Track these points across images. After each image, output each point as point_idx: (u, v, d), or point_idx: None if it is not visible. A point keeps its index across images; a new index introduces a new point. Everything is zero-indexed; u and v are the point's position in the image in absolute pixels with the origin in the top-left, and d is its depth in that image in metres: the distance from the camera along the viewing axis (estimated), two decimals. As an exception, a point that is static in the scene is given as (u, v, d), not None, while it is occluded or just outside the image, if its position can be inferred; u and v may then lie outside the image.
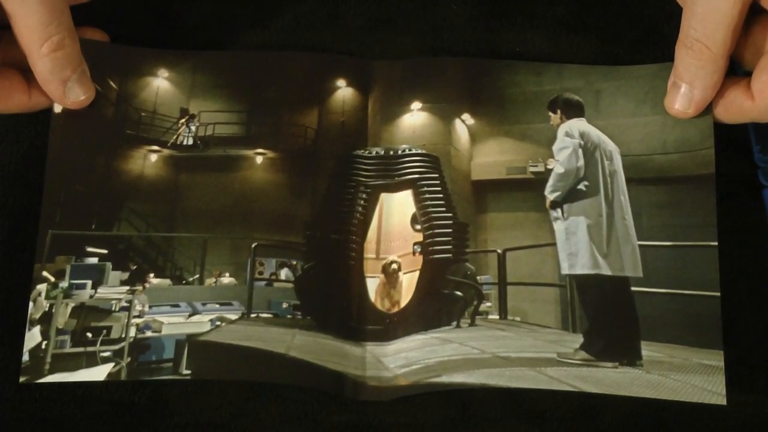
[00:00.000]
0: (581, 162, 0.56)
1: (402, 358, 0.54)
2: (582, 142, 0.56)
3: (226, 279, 0.56)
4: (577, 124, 0.57)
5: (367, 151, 0.57)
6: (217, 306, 0.56)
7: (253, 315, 0.56)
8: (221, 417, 0.54)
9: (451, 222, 0.57)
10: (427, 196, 0.57)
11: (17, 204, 0.56)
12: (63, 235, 0.54)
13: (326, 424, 0.54)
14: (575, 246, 0.55)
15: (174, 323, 0.55)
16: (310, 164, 0.57)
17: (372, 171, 0.57)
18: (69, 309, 0.54)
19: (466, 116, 0.57)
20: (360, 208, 0.56)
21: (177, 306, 0.55)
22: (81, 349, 0.53)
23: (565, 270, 0.56)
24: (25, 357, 0.52)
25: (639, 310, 0.53)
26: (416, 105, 0.57)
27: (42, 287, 0.53)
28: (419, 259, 0.56)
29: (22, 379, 0.51)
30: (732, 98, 0.52)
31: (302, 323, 0.55)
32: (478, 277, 0.56)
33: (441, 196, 0.57)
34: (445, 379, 0.52)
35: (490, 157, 0.57)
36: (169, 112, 0.58)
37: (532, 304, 0.56)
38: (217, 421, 0.54)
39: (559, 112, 0.57)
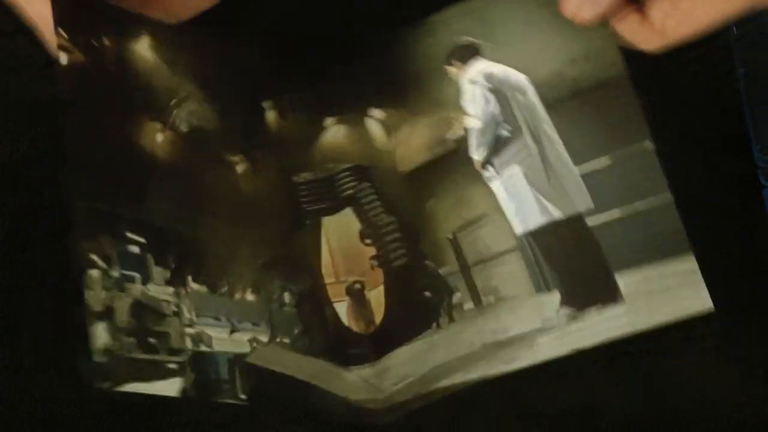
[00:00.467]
0: (494, 105, 0.53)
1: (393, 376, 0.52)
2: (489, 85, 0.53)
3: (249, 296, 0.55)
4: (478, 67, 0.53)
5: (298, 177, 0.56)
6: (250, 325, 0.54)
7: (278, 339, 0.54)
8: (221, 417, 0.54)
9: (397, 226, 0.55)
10: (367, 207, 0.56)
11: (17, 204, 0.56)
12: (100, 211, 0.49)
13: (326, 424, 0.54)
14: (518, 200, 0.53)
15: (221, 338, 0.51)
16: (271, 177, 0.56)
17: (307, 197, 0.56)
18: (127, 305, 0.48)
19: (374, 112, 0.55)
20: (306, 236, 0.56)
21: (218, 319, 0.52)
22: (149, 356, 0.48)
23: (519, 230, 0.53)
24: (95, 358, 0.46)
25: (595, 237, 0.51)
26: (328, 120, 0.56)
27: (94, 274, 0.48)
28: (380, 271, 0.55)
29: (100, 385, 0.46)
30: (627, 13, 0.49)
31: (308, 350, 0.54)
32: (439, 270, 0.54)
33: (379, 203, 0.56)
34: (444, 383, 0.51)
35: (411, 142, 0.56)
36: (166, 84, 0.55)
37: (500, 279, 0.54)
38: (217, 421, 0.54)
39: (455, 62, 0.54)
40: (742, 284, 0.55)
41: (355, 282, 0.55)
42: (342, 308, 0.55)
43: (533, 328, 0.51)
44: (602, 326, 0.49)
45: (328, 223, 0.57)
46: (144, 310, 0.49)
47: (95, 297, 0.47)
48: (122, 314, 0.48)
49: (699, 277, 0.48)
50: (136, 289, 0.49)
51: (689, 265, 0.48)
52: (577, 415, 0.54)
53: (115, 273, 0.48)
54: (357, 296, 0.55)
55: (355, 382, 0.53)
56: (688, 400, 0.54)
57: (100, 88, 0.53)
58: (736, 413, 0.54)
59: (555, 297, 0.52)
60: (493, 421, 0.54)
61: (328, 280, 0.56)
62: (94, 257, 0.48)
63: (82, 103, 0.52)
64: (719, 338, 0.54)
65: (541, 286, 0.53)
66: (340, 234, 0.56)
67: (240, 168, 0.56)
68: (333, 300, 0.55)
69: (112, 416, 0.53)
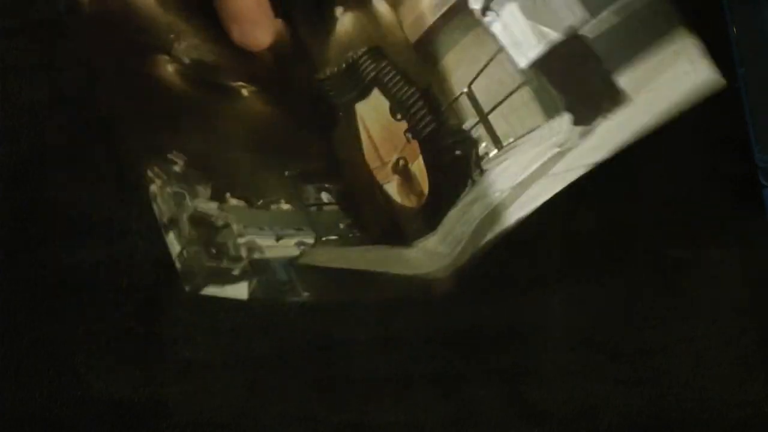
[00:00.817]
0: None
1: (450, 240, 0.52)
2: None
3: (284, 205, 0.55)
4: None
5: (322, 74, 0.56)
6: (293, 231, 0.54)
7: (323, 239, 0.54)
8: (221, 417, 0.54)
9: (418, 95, 0.55)
10: (390, 85, 0.56)
11: (17, 204, 0.56)
12: (144, 138, 0.52)
13: (326, 424, 0.54)
14: (518, 33, 0.52)
15: (269, 246, 0.53)
16: (285, 94, 0.56)
17: (335, 89, 0.57)
18: (186, 218, 0.52)
19: None
20: (345, 127, 0.56)
21: (262, 229, 0.53)
22: (215, 264, 0.51)
23: (522, 64, 0.52)
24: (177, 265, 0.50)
25: (592, 48, 0.50)
26: (338, 10, 0.56)
27: (155, 188, 0.51)
28: (416, 143, 0.56)
29: (187, 288, 0.49)
30: None
31: (364, 240, 0.54)
32: (462, 126, 0.54)
33: (399, 77, 0.56)
34: (489, 236, 0.50)
35: (415, 10, 0.56)
36: (164, 20, 0.55)
37: (515, 117, 0.53)
38: (217, 421, 0.54)
39: None
40: (743, 286, 0.56)
41: (399, 159, 0.56)
42: (392, 188, 0.56)
43: (552, 155, 0.50)
44: (613, 133, 0.48)
45: (362, 109, 0.57)
46: (201, 221, 0.52)
47: (161, 209, 0.51)
48: (185, 226, 0.51)
49: (697, 49, 0.46)
50: (188, 204, 0.52)
51: (685, 41, 0.47)
52: (578, 415, 0.54)
53: (169, 189, 0.51)
54: (404, 172, 0.55)
55: (419, 257, 0.52)
56: (688, 400, 0.54)
57: (114, 34, 0.54)
58: (736, 413, 0.54)
59: (566, 119, 0.51)
60: (493, 421, 0.54)
61: (373, 165, 0.56)
62: (151, 174, 0.51)
63: (101, 50, 0.53)
64: (720, 338, 0.55)
65: (552, 112, 0.51)
66: (374, 116, 0.56)
67: (249, 92, 0.56)
68: (382, 183, 0.56)
69: (112, 416, 0.53)
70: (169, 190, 0.52)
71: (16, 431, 0.53)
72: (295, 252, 0.53)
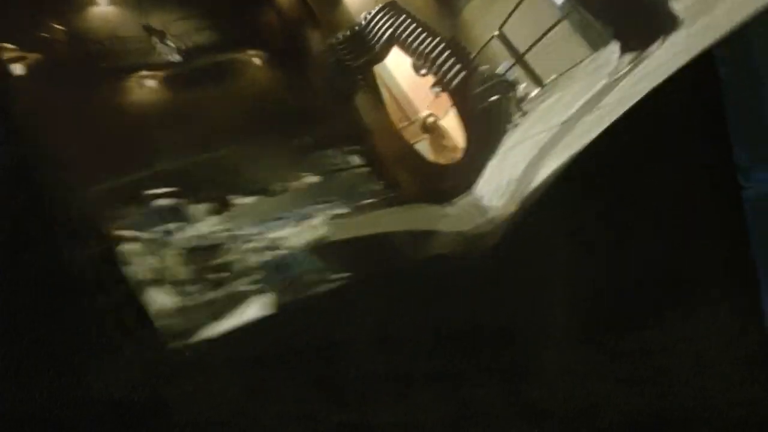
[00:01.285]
0: None
1: (494, 191, 0.51)
2: None
3: (309, 179, 0.53)
4: None
5: (335, 39, 0.55)
6: (322, 206, 0.52)
7: (359, 204, 0.53)
8: (221, 417, 0.54)
9: (443, 46, 0.54)
10: (410, 40, 0.54)
11: (17, 204, 0.56)
12: (108, 188, 0.49)
13: (326, 423, 0.54)
14: None
15: (292, 234, 0.50)
16: (300, 60, 0.55)
17: (350, 53, 0.55)
18: (176, 258, 0.48)
19: None
20: (366, 91, 0.55)
21: (281, 218, 0.51)
22: (220, 292, 0.48)
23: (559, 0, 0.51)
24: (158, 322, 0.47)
25: None
26: None
27: (129, 247, 0.48)
28: (445, 96, 0.54)
29: (172, 345, 0.47)
30: None
31: (400, 200, 0.53)
32: (497, 71, 0.53)
33: (420, 30, 0.54)
34: (541, 174, 0.48)
35: None
36: (132, 33, 0.53)
37: (556, 53, 0.51)
38: (217, 421, 0.54)
39: None
40: (722, 289, 0.55)
41: (427, 116, 0.54)
42: (423, 147, 0.54)
43: (600, 87, 0.48)
44: (667, 57, 0.46)
45: (380, 70, 0.55)
46: (195, 252, 0.49)
47: (139, 268, 0.48)
48: (176, 268, 0.48)
49: None
50: (178, 238, 0.49)
51: None
52: (578, 415, 0.54)
53: (149, 235, 0.48)
54: (434, 129, 0.54)
55: (461, 214, 0.51)
56: (689, 400, 0.54)
57: (66, 70, 0.52)
58: (737, 412, 0.54)
59: (614, 47, 0.49)
60: (493, 421, 0.54)
61: (400, 125, 0.54)
62: (121, 233, 0.48)
63: (53, 97, 0.51)
64: (720, 338, 0.55)
65: (597, 43, 0.50)
66: (396, 75, 0.55)
67: (261, 59, 0.55)
68: (412, 142, 0.54)
69: (112, 416, 0.53)
70: (149, 235, 0.48)
71: (16, 431, 0.53)
72: (324, 230, 0.51)
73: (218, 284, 0.48)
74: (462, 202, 0.52)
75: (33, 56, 0.51)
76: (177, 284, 0.48)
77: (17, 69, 0.51)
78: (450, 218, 0.51)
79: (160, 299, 0.48)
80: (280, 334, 0.55)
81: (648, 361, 0.54)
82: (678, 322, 0.55)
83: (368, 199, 0.53)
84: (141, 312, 0.54)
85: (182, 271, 0.48)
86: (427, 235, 0.50)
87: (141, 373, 0.54)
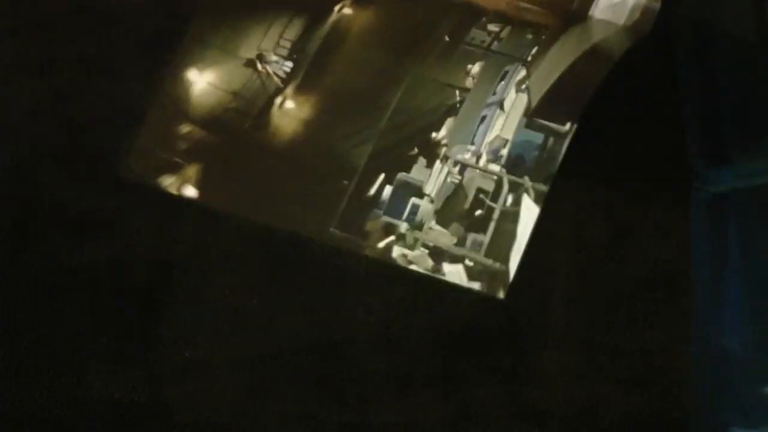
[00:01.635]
0: None
1: None
2: None
3: (475, 68, 0.53)
4: None
5: None
6: (502, 81, 0.53)
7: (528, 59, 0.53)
8: (221, 417, 0.54)
9: None
10: None
11: (17, 204, 0.56)
12: None
13: (326, 423, 0.54)
14: None
15: (503, 124, 0.52)
16: None
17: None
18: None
19: None
20: None
21: (484, 118, 0.53)
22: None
23: None
24: None
25: None
26: None
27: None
28: None
29: None
30: None
31: (553, 35, 0.53)
32: None
33: None
34: None
35: None
36: (241, 80, 0.54)
37: None
38: (217, 421, 0.54)
39: None
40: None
41: None
42: None
43: None
44: None
45: None
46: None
47: None
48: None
49: None
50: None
51: None
52: (578, 415, 0.54)
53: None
54: None
55: (601, 19, 0.52)
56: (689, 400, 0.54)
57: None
58: (737, 413, 0.54)
59: None
60: (493, 421, 0.54)
61: None
62: None
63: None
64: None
65: None
66: None
67: (350, 10, 0.54)
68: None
69: (112, 416, 0.53)
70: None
71: (16, 431, 0.53)
72: (523, 98, 0.51)
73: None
74: (595, 12, 0.51)
75: None
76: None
77: None
78: (597, 31, 0.51)
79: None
80: (280, 334, 0.55)
81: (648, 361, 0.54)
82: (678, 322, 0.55)
83: (531, 51, 0.52)
84: (142, 312, 0.54)
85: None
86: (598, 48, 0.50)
87: (141, 373, 0.54)
